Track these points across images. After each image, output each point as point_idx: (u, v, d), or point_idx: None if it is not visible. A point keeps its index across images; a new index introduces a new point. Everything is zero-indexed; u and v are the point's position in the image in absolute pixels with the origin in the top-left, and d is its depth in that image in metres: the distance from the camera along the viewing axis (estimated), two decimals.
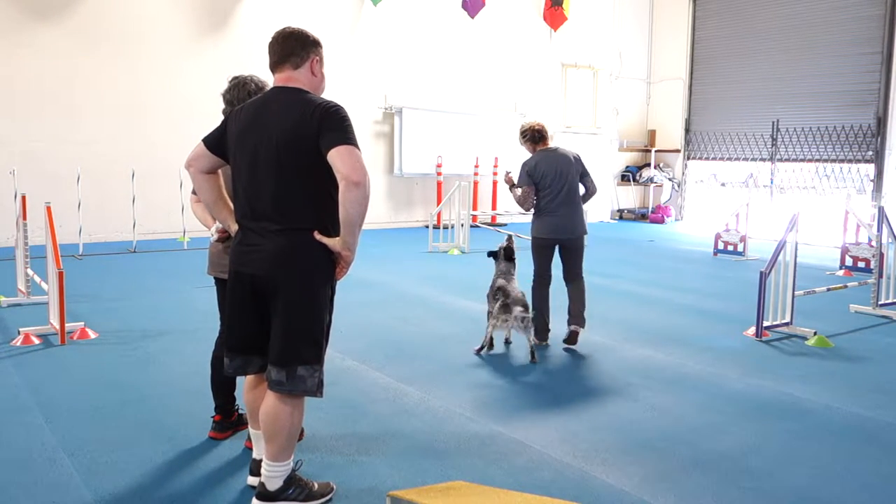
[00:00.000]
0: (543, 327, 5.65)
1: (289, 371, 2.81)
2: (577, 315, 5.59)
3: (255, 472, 3.13)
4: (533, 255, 5.69)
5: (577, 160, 5.65)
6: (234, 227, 2.99)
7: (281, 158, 2.76)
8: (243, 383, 3.26)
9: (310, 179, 2.77)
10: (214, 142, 2.98)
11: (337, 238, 2.79)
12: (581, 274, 5.65)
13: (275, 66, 2.90)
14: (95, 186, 10.32)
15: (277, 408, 2.87)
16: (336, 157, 2.67)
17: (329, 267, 2.86)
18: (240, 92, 3.50)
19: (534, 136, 5.65)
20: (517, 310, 5.16)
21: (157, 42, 11.22)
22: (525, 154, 5.79)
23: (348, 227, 2.74)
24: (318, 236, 2.78)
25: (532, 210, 5.68)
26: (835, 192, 14.20)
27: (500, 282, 5.43)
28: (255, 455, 3.23)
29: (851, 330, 6.37)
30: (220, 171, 3.05)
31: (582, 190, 5.71)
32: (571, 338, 5.58)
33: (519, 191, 5.63)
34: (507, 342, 5.61)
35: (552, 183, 5.50)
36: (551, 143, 5.73)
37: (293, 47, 2.87)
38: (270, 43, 2.90)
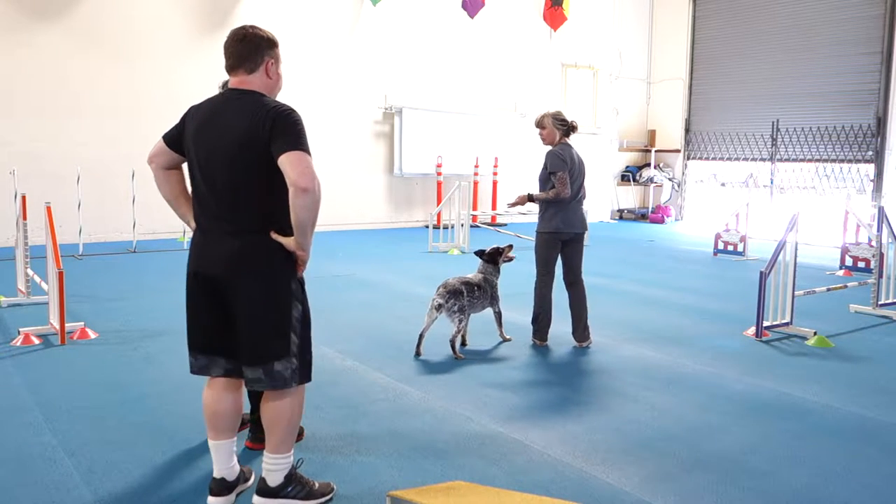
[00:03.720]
0: (545, 328, 5.64)
1: (265, 368, 2.83)
2: (582, 331, 5.63)
3: (216, 492, 2.98)
4: (539, 252, 5.61)
5: (583, 162, 5.75)
6: (193, 224, 2.99)
7: (234, 161, 2.76)
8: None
9: (263, 182, 2.77)
10: (173, 138, 2.98)
11: (291, 238, 2.79)
12: (581, 276, 5.65)
13: (229, 69, 2.90)
14: (95, 186, 10.32)
15: (276, 398, 2.89)
16: (286, 162, 2.67)
17: (288, 263, 2.85)
18: None
19: (568, 129, 5.63)
20: (436, 294, 5.23)
21: (156, 42, 11.23)
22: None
23: (300, 230, 2.74)
24: (274, 236, 2.79)
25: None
26: (835, 192, 14.20)
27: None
28: (215, 473, 3.01)
29: (851, 330, 6.37)
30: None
31: None
32: (579, 343, 5.67)
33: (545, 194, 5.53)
34: (463, 341, 5.46)
35: (575, 177, 5.54)
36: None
37: (247, 51, 2.86)
38: (225, 45, 2.89)
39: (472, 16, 14.19)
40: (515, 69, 15.31)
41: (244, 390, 3.11)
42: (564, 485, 3.28)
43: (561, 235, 5.53)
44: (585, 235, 5.70)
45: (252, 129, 2.72)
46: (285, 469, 2.97)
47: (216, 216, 2.83)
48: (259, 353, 2.82)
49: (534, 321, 5.68)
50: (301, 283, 2.93)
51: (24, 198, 6.55)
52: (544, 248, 5.57)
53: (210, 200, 2.83)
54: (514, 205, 5.72)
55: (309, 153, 2.71)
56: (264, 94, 2.88)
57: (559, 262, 5.64)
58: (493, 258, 5.62)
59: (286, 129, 2.71)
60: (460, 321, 5.24)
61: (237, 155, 2.75)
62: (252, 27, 2.93)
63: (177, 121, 3.01)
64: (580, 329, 5.63)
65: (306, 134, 2.75)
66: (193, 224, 2.98)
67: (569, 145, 5.62)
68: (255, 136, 2.71)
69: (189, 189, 3.02)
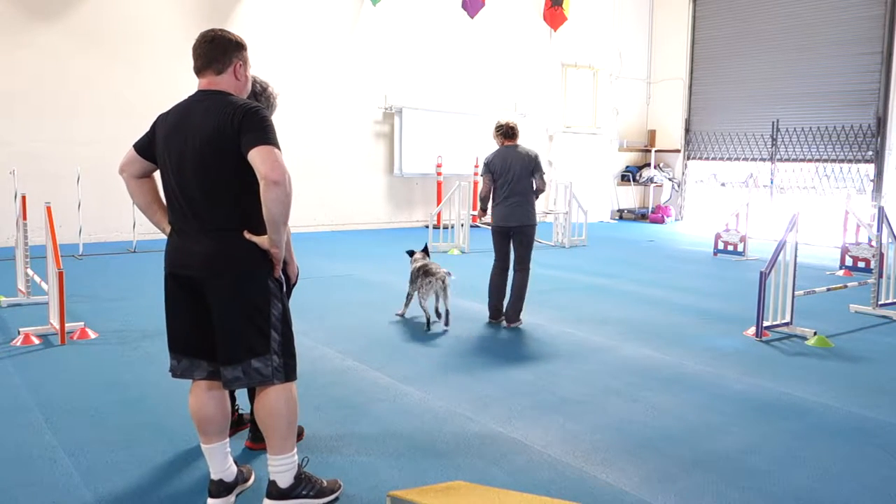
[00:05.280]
0: (494, 309, 6.28)
1: (244, 367, 2.82)
2: (512, 313, 6.18)
3: (216, 493, 3.00)
4: (493, 242, 6.33)
5: (532, 158, 6.15)
6: (168, 230, 3.00)
7: (205, 161, 2.76)
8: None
9: (235, 180, 2.77)
10: (144, 147, 2.99)
11: (265, 236, 2.79)
12: (527, 266, 6.21)
13: (198, 70, 2.90)
14: (95, 186, 10.32)
15: (268, 399, 2.89)
16: (256, 156, 2.67)
17: (264, 262, 2.84)
18: None
19: (505, 132, 6.23)
20: (441, 273, 6.05)
21: (157, 42, 11.23)
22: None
23: (272, 226, 2.74)
24: (247, 235, 2.79)
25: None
26: (835, 192, 14.20)
27: (420, 263, 6.22)
28: (213, 475, 3.02)
29: (851, 330, 6.37)
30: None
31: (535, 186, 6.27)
32: (507, 323, 6.23)
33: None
34: (438, 314, 6.19)
35: (501, 175, 6.12)
36: (519, 142, 6.27)
37: (215, 54, 2.86)
38: (194, 47, 2.90)
39: (472, 16, 14.19)
40: (515, 69, 15.31)
41: (244, 390, 3.10)
42: (564, 485, 3.28)
43: (497, 229, 6.25)
44: (533, 230, 6.22)
45: (221, 126, 2.72)
46: (293, 469, 2.96)
47: (190, 218, 2.83)
48: (236, 351, 2.81)
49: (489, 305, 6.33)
50: (279, 281, 2.93)
51: (24, 198, 6.55)
52: (493, 238, 6.33)
53: (183, 203, 2.83)
54: (480, 217, 6.51)
55: (278, 148, 2.72)
56: (232, 93, 2.88)
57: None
58: (425, 249, 6.57)
59: (254, 125, 2.71)
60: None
61: (207, 154, 2.75)
62: (221, 30, 2.93)
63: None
64: (511, 311, 6.17)
65: (275, 130, 2.76)
66: (168, 230, 2.99)
67: (509, 147, 6.19)
68: (224, 133, 2.72)
69: (162, 196, 3.02)
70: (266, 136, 2.70)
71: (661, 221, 16.45)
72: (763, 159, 15.40)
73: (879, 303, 6.93)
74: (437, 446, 3.69)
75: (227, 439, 3.06)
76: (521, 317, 6.20)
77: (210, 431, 2.99)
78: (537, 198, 6.24)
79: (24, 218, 6.54)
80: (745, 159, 15.83)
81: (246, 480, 3.17)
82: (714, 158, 16.52)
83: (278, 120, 3.54)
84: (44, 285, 6.09)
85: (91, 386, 4.52)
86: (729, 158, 16.19)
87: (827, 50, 14.30)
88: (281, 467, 2.94)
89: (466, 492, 3.00)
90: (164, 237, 3.02)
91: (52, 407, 4.13)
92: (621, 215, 17.25)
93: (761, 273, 5.88)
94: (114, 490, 3.15)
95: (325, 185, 13.02)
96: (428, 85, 14.12)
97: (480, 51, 14.72)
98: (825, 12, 14.32)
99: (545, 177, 6.25)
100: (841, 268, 9.65)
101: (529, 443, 3.74)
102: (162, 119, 2.95)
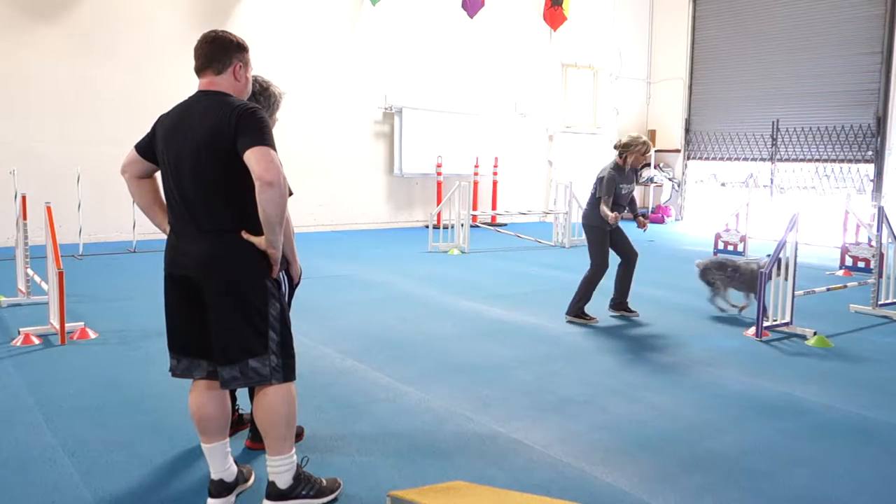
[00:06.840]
0: (611, 301, 6.74)
1: (241, 367, 2.82)
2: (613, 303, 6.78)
3: (216, 493, 3.00)
4: None
5: (602, 169, 6.66)
6: (168, 230, 3.01)
7: (202, 161, 2.76)
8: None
9: (232, 181, 2.77)
10: (144, 147, 3.00)
11: (262, 237, 2.79)
12: (592, 263, 6.50)
13: (198, 70, 2.91)
14: (95, 186, 10.32)
15: (267, 399, 2.89)
16: (251, 157, 2.67)
17: (261, 262, 2.83)
18: None
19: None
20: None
21: (156, 42, 11.23)
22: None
23: (268, 227, 2.73)
24: (245, 235, 2.79)
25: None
26: (835, 192, 14.20)
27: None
28: (213, 475, 3.01)
29: (851, 330, 6.37)
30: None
31: None
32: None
33: None
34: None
35: None
36: (613, 157, 6.77)
37: (215, 53, 2.87)
38: (195, 47, 2.90)
39: (471, 16, 14.19)
40: (515, 69, 15.31)
41: (245, 390, 3.10)
42: (564, 485, 3.28)
43: None
44: (588, 229, 6.69)
45: (217, 127, 2.73)
46: (291, 469, 2.96)
47: (187, 218, 2.84)
48: (233, 352, 2.81)
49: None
50: (277, 281, 2.93)
51: (24, 198, 6.55)
52: None
53: (181, 203, 2.84)
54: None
55: (274, 149, 2.73)
56: (231, 94, 2.88)
57: None
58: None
59: (251, 126, 2.71)
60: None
61: (204, 155, 2.75)
62: (223, 31, 2.94)
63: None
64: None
65: (272, 131, 2.77)
66: (169, 230, 3.00)
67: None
68: (221, 134, 2.72)
69: (163, 196, 3.02)
70: (262, 137, 2.70)
71: (661, 221, 16.45)
72: (763, 159, 15.40)
73: (879, 303, 6.93)
74: (437, 446, 3.68)
75: (227, 439, 3.06)
76: (573, 312, 6.42)
77: (210, 431, 2.99)
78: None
79: (24, 218, 6.53)
80: (745, 159, 15.83)
81: (246, 480, 3.17)
82: (714, 158, 16.52)
83: (279, 120, 3.55)
84: (44, 285, 6.09)
85: (91, 386, 4.52)
86: (729, 158, 16.19)
87: (827, 50, 14.30)
88: (280, 468, 2.94)
89: (466, 492, 3.00)
90: (165, 237, 3.02)
91: (52, 407, 4.13)
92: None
93: (761, 273, 5.88)
94: (114, 490, 3.15)
95: (325, 185, 13.02)
96: (428, 85, 14.11)
97: (480, 51, 14.72)
98: (825, 12, 14.32)
99: (601, 189, 6.56)
100: (841, 268, 9.65)
101: (529, 443, 3.74)
102: (162, 119, 2.96)
